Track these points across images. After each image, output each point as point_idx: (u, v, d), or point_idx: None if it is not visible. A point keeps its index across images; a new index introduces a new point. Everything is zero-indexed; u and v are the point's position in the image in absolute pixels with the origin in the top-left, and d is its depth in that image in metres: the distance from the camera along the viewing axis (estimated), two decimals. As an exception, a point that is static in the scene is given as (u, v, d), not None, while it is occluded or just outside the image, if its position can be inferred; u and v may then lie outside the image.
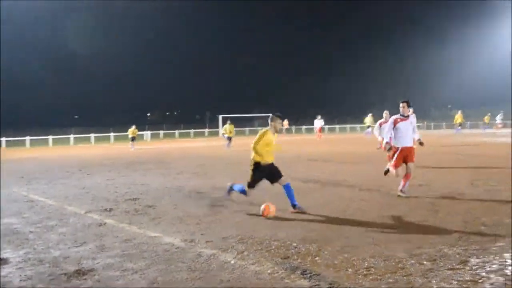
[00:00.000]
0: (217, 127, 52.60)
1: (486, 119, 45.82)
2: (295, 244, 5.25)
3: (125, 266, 4.67)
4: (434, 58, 79.37)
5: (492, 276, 4.06)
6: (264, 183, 7.35)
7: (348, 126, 58.47)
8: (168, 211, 7.61)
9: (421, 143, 9.09)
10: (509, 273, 4.12)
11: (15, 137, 39.27)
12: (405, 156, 8.24)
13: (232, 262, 4.69)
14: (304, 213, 6.94)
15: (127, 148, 28.70)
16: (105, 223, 6.79)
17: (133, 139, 29.08)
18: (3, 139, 37.86)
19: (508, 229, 5.63)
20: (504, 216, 6.37)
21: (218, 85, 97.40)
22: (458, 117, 37.18)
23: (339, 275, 4.20)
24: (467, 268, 4.28)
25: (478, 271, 4.19)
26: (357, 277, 4.14)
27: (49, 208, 8.17)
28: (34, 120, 68.13)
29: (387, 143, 9.02)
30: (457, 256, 4.63)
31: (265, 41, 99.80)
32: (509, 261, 4.43)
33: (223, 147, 25.04)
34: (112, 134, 44.15)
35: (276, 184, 7.22)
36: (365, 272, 4.25)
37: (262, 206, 6.83)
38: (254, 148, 7.02)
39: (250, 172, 7.20)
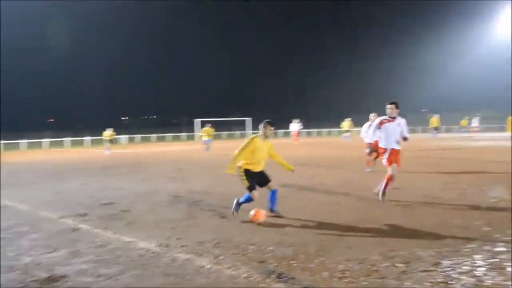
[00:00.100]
0: (194, 131, 52.45)
1: (463, 123, 46.77)
2: (271, 248, 5.26)
3: (99, 272, 4.60)
4: (410, 62, 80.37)
5: (463, 277, 4.15)
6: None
7: (325, 130, 59.00)
8: (144, 215, 7.54)
9: (405, 139, 8.55)
10: (480, 274, 4.21)
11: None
12: (392, 159, 8.09)
13: (208, 266, 4.67)
14: (280, 217, 6.96)
15: (103, 152, 28.33)
16: (79, 229, 6.68)
17: (110, 142, 28.82)
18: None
19: (478, 232, 5.75)
20: (475, 218, 6.51)
21: (195, 89, 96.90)
22: (434, 120, 37.61)
23: (314, 279, 4.23)
24: (439, 270, 4.36)
25: (449, 272, 4.28)
26: (332, 280, 4.17)
27: (21, 214, 8.00)
28: (6, 123, 66.52)
29: (368, 143, 8.93)
30: (430, 258, 4.71)
31: (241, 44, 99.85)
32: (479, 262, 4.53)
33: (202, 151, 24.92)
34: (87, 138, 43.57)
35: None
36: (340, 275, 4.28)
37: (252, 212, 6.73)
38: (235, 156, 6.90)
39: (242, 180, 6.95)
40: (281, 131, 54.50)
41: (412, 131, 57.80)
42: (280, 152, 7.61)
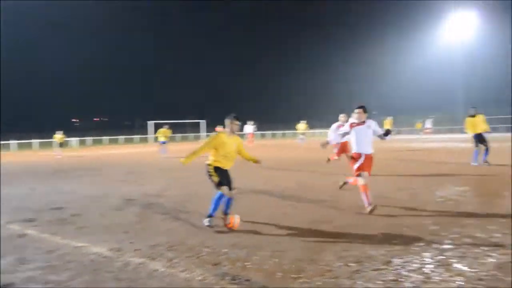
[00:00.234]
0: (147, 133, 51.65)
1: (418, 125, 48.37)
2: (225, 250, 5.24)
3: (47, 278, 4.44)
4: (363, 63, 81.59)
5: (412, 274, 4.28)
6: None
7: (279, 132, 59.48)
8: (95, 219, 7.33)
9: (386, 134, 8.40)
10: (428, 272, 4.36)
11: None
12: (364, 166, 7.74)
13: (162, 270, 4.60)
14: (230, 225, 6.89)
15: (53, 155, 27.39)
16: (26, 234, 6.42)
17: (60, 145, 27.91)
18: None
19: (426, 231, 5.96)
20: (423, 218, 6.74)
21: (148, 91, 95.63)
22: (387, 123, 38.40)
23: (269, 280, 4.24)
24: (391, 268, 4.48)
25: (400, 270, 4.40)
26: (287, 281, 4.20)
27: (-38, 219, 7.60)
28: None
29: (327, 142, 9.14)
30: (382, 257, 4.83)
31: (199, 45, 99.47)
32: (427, 260, 4.69)
33: (157, 153, 24.50)
34: (35, 141, 42.00)
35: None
36: (294, 276, 4.32)
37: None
38: (196, 149, 6.60)
39: (212, 177, 6.59)
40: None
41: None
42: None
